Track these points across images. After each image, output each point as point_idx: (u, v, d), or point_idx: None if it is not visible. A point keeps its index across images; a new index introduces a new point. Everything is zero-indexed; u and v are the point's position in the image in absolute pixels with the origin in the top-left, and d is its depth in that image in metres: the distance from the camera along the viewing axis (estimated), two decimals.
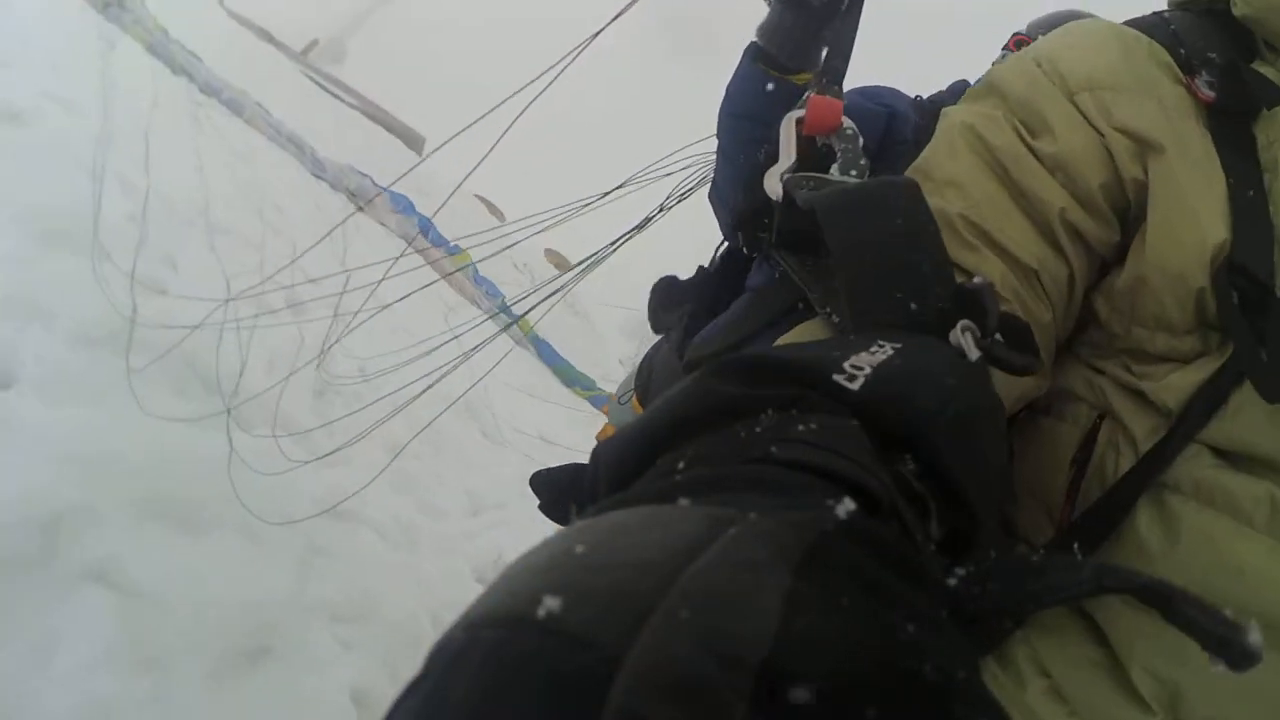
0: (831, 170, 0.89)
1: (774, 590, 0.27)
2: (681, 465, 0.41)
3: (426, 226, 8.59)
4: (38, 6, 5.92)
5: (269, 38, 12.06)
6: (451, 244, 8.75)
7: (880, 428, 0.46)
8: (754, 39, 1.59)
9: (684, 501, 0.35)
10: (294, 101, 9.94)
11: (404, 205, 8.68)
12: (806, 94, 1.06)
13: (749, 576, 0.27)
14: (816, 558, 0.29)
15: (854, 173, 0.89)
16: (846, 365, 0.49)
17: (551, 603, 0.26)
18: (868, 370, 0.49)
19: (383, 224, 8.24)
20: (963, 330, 0.57)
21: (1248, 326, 0.77)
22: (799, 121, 0.96)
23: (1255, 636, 0.35)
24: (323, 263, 4.99)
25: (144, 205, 4.18)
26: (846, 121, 1.00)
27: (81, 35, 6.03)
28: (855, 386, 0.47)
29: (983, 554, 0.47)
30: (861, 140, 0.98)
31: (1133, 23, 0.97)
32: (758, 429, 0.43)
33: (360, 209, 8.03)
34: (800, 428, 0.42)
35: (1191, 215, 0.81)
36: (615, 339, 12.01)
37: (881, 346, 0.52)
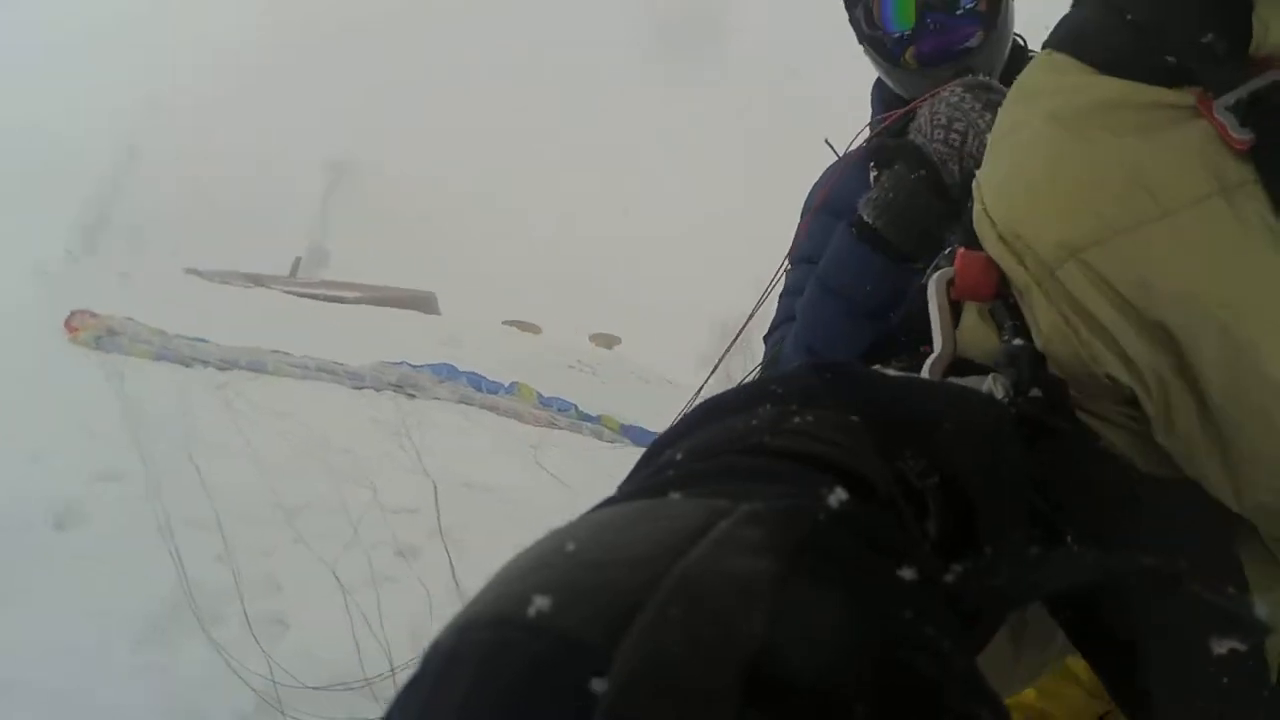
0: (1004, 338, 0.75)
1: (766, 583, 0.26)
2: (678, 458, 0.40)
3: (478, 382, 8.47)
4: (53, 388, 5.93)
5: (257, 279, 12.20)
6: (508, 385, 8.64)
7: (895, 415, 0.46)
8: (864, 215, 1.34)
9: (675, 495, 0.34)
10: (299, 324, 9.96)
11: (448, 372, 8.60)
12: (948, 248, 0.83)
13: (740, 570, 0.26)
14: (809, 548, 0.28)
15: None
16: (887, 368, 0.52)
17: (541, 601, 0.25)
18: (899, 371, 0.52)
19: (438, 399, 8.14)
20: (994, 380, 0.60)
21: None
22: (950, 284, 0.76)
23: (1261, 610, 0.35)
24: (400, 491, 4.84)
25: (222, 535, 4.06)
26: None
27: (93, 385, 6.01)
28: (889, 372, 0.50)
29: (979, 550, 0.46)
30: None
31: (1064, 40, 0.69)
32: (753, 421, 0.42)
33: (412, 397, 7.97)
34: (796, 420, 0.42)
35: None
36: (690, 378, 11.77)
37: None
